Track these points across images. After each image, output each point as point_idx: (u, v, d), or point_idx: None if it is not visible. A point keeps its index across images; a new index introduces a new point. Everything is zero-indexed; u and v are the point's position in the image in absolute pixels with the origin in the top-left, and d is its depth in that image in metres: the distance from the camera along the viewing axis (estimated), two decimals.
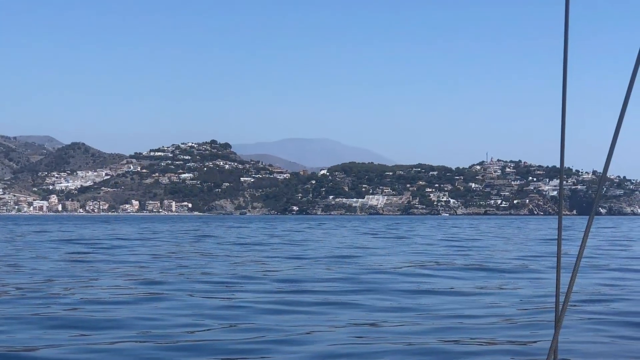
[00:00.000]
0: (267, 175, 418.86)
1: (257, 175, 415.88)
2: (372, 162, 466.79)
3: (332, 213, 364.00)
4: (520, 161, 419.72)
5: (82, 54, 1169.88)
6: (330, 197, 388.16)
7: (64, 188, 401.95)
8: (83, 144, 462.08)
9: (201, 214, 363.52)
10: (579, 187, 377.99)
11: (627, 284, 25.39)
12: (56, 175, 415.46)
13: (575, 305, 18.77)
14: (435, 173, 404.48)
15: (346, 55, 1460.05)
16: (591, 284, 25.00)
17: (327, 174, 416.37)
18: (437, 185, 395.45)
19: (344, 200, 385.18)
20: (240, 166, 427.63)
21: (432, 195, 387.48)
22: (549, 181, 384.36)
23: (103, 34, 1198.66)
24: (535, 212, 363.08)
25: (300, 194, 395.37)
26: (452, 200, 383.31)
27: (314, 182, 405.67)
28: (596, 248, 47.71)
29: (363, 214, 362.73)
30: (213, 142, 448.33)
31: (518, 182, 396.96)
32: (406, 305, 19.96)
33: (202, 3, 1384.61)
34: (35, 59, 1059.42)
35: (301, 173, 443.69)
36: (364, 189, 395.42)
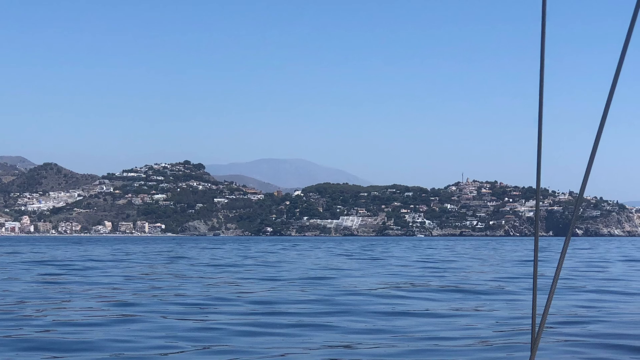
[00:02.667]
0: (241, 196, 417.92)
1: (230, 196, 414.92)
2: (346, 183, 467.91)
3: (306, 234, 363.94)
4: (496, 182, 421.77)
5: (54, 74, 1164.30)
6: (305, 218, 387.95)
7: (36, 209, 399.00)
8: (55, 164, 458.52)
9: (174, 235, 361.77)
10: (556, 208, 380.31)
11: (604, 306, 25.46)
12: (28, 196, 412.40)
13: (551, 327, 18.80)
14: (410, 194, 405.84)
15: (320, 75, 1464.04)
16: (568, 305, 25.06)
17: (302, 194, 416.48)
18: (412, 206, 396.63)
19: (319, 221, 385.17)
20: (213, 187, 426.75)
21: (407, 216, 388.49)
22: (525, 202, 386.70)
23: (75, 54, 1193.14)
24: (512, 233, 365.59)
25: (274, 215, 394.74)
26: (427, 221, 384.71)
27: (288, 203, 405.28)
28: (573, 269, 48.00)
29: (337, 235, 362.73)
30: (186, 162, 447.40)
31: (494, 203, 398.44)
32: (381, 327, 19.90)
33: (176, 22, 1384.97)
34: (6, 79, 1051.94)
35: (275, 194, 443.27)
36: (338, 210, 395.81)
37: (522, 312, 22.94)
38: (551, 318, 18.95)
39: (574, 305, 25.29)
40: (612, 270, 50.35)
